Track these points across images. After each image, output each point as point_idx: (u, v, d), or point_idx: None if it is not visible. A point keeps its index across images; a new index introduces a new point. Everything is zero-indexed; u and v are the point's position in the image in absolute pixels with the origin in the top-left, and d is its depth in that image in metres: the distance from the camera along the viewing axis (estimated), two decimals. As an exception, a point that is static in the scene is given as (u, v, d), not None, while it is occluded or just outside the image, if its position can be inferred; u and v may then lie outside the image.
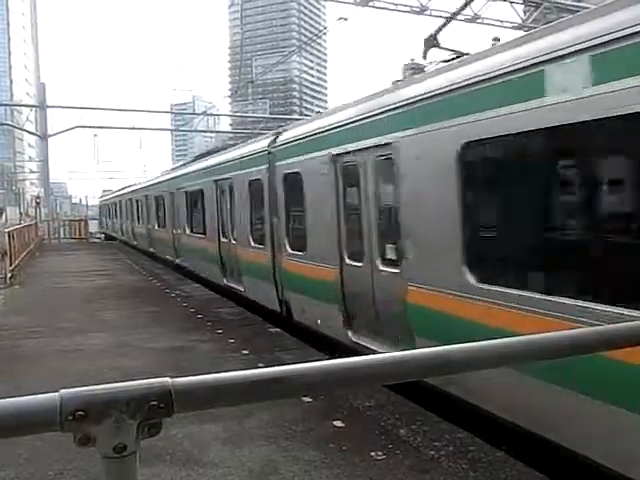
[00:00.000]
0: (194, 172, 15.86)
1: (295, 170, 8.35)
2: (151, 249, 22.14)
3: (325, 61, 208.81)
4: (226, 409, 5.10)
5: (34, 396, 1.08)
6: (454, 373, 1.41)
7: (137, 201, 25.24)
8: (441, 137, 5.09)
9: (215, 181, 13.01)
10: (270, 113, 73.63)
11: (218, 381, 1.18)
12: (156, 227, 21.11)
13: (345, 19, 21.27)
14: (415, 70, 6.78)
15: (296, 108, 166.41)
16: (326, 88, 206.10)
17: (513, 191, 4.75)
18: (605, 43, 3.61)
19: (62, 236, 35.92)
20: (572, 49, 3.82)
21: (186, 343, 8.06)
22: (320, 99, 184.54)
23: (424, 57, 6.94)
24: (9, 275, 15.33)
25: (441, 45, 7.05)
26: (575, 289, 3.96)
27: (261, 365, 6.22)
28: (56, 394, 1.07)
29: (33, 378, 6.27)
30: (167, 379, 1.13)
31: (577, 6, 24.15)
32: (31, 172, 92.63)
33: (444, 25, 7.67)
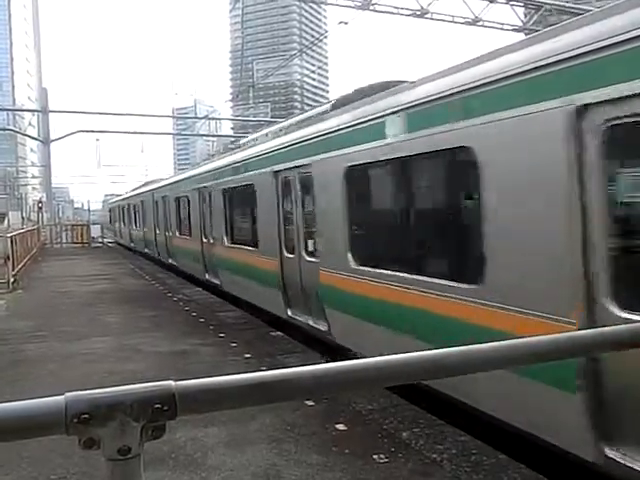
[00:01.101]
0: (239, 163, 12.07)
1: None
2: (171, 260, 18.99)
3: (326, 64, 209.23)
4: (229, 413, 5.11)
5: (40, 399, 1.10)
6: (450, 376, 1.42)
7: (156, 202, 21.72)
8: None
9: (276, 173, 9.29)
10: (272, 116, 73.70)
11: (221, 384, 1.20)
12: (177, 234, 17.84)
13: (346, 23, 21.34)
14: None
15: (297, 111, 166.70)
16: (327, 91, 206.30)
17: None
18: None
19: (64, 241, 35.98)
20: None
21: (188, 347, 8.07)
22: (321, 102, 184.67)
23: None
24: (12, 280, 15.35)
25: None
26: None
27: (263, 369, 6.22)
28: (61, 397, 1.08)
29: (36, 383, 6.29)
30: (171, 382, 1.15)
31: (577, 8, 24.22)
32: (33, 177, 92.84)
33: None
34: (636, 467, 3.44)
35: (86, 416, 1.07)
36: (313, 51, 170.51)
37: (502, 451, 4.42)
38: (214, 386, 1.20)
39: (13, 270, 15.97)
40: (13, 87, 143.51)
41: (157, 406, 1.11)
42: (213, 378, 1.20)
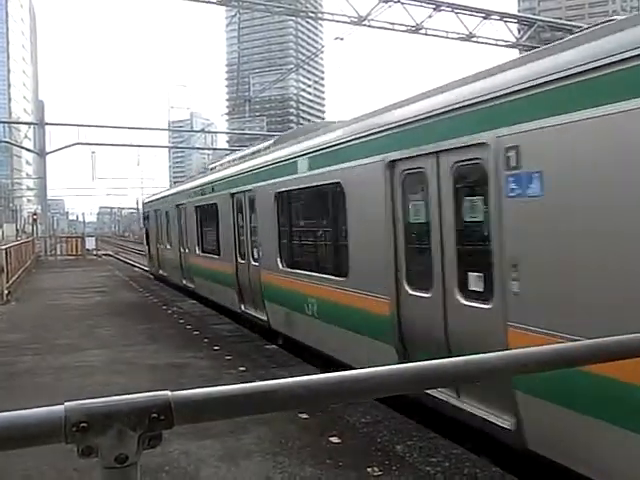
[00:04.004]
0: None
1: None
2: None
3: (322, 79, 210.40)
4: (222, 425, 5.11)
5: (39, 409, 1.13)
6: (442, 386, 1.46)
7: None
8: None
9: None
10: (267, 130, 73.97)
11: (217, 394, 1.23)
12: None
13: (341, 39, 21.54)
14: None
15: (293, 125, 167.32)
16: (323, 105, 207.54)
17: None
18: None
19: (59, 253, 35.86)
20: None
21: (183, 360, 8.06)
22: (317, 116, 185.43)
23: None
24: (6, 292, 15.31)
25: None
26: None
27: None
28: (61, 407, 1.11)
29: (30, 395, 6.27)
30: (167, 392, 1.18)
31: (570, 25, 24.54)
32: (28, 189, 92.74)
33: None
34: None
35: (85, 425, 1.09)
36: (309, 65, 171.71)
37: (496, 464, 4.43)
38: (210, 396, 1.23)
39: (7, 282, 15.93)
40: (9, 99, 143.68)
41: (154, 416, 1.13)
42: (209, 388, 1.23)
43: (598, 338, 1.59)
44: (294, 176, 8.25)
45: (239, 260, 11.31)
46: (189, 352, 8.49)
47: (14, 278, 18.25)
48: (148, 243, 22.99)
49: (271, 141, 12.39)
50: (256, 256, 10.18)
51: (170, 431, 1.17)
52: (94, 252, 39.87)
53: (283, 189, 8.80)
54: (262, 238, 9.92)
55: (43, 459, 4.44)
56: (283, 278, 8.89)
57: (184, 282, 15.99)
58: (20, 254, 22.39)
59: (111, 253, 43.12)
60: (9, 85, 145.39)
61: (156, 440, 1.16)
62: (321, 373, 1.38)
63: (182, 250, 15.87)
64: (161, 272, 19.85)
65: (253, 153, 12.53)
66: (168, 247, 18.03)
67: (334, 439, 4.97)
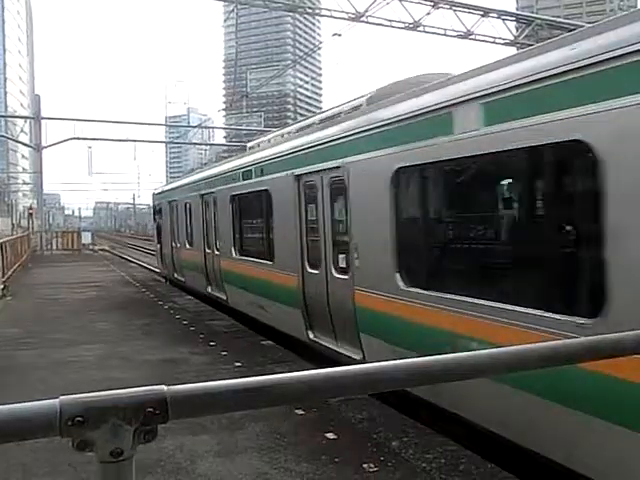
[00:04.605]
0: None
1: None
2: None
3: (320, 75, 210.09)
4: (218, 421, 5.11)
5: (34, 402, 1.12)
6: (438, 382, 1.45)
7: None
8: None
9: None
10: (265, 126, 73.89)
11: (212, 389, 1.22)
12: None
13: (339, 35, 21.48)
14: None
15: (290, 121, 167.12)
16: (321, 101, 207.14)
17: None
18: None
19: (55, 248, 35.79)
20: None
21: (179, 355, 8.05)
22: (314, 112, 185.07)
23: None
24: (1, 287, 15.27)
25: None
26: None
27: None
28: (56, 400, 1.10)
29: (25, 389, 6.26)
30: (163, 386, 1.17)
31: (568, 23, 24.54)
32: (24, 183, 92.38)
33: None
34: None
35: (80, 419, 1.09)
36: (307, 62, 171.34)
37: (491, 461, 4.44)
38: (205, 391, 1.22)
39: (3, 277, 15.88)
40: (5, 94, 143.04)
41: (149, 410, 1.13)
42: (204, 383, 1.23)
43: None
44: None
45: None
46: (185, 347, 8.49)
47: (10, 273, 18.20)
48: (160, 241, 19.08)
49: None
50: (344, 265, 7.06)
51: (166, 426, 1.17)
52: (90, 247, 39.83)
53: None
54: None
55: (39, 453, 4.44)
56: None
57: (210, 291, 13.16)
58: (16, 249, 22.33)
59: (107, 248, 43.07)
60: (5, 79, 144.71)
61: (151, 434, 1.16)
62: (318, 368, 1.37)
63: (208, 251, 13.12)
64: (177, 276, 16.58)
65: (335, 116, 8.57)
66: (188, 247, 15.08)
67: (330, 435, 4.98)
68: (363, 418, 5.38)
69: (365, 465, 4.37)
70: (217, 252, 12.55)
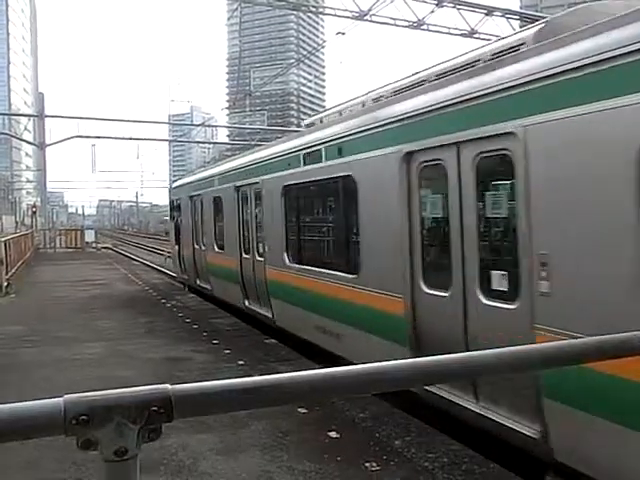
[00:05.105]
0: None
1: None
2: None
3: (323, 73, 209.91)
4: (221, 419, 5.12)
5: (39, 401, 1.12)
6: (441, 382, 1.46)
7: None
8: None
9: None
10: (268, 124, 73.84)
11: (216, 388, 1.22)
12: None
13: (343, 34, 21.45)
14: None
15: (294, 120, 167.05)
16: (324, 100, 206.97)
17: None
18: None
19: (58, 245, 35.85)
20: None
21: (182, 354, 8.07)
22: (318, 111, 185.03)
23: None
24: (5, 284, 15.31)
25: None
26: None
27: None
28: (60, 399, 1.10)
29: (29, 387, 6.27)
30: (167, 385, 1.17)
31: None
32: (28, 181, 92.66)
33: None
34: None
35: (84, 418, 1.09)
36: (310, 60, 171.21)
37: (494, 460, 4.44)
38: (209, 390, 1.23)
39: (6, 274, 15.92)
40: (9, 91, 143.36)
41: (154, 409, 1.13)
42: (208, 382, 1.23)
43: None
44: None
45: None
46: (188, 346, 8.50)
47: (13, 270, 18.24)
48: (178, 242, 16.61)
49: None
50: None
51: (169, 425, 1.17)
52: (93, 245, 39.89)
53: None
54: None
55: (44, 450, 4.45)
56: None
57: (248, 304, 10.77)
58: (19, 246, 22.38)
59: (110, 246, 43.10)
60: (9, 77, 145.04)
61: (156, 433, 1.16)
62: (322, 368, 1.37)
63: (246, 256, 10.74)
64: (200, 283, 14.34)
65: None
66: (217, 250, 12.77)
67: (333, 434, 4.98)
68: (366, 417, 5.38)
69: (367, 464, 4.37)
70: (259, 258, 10.03)
